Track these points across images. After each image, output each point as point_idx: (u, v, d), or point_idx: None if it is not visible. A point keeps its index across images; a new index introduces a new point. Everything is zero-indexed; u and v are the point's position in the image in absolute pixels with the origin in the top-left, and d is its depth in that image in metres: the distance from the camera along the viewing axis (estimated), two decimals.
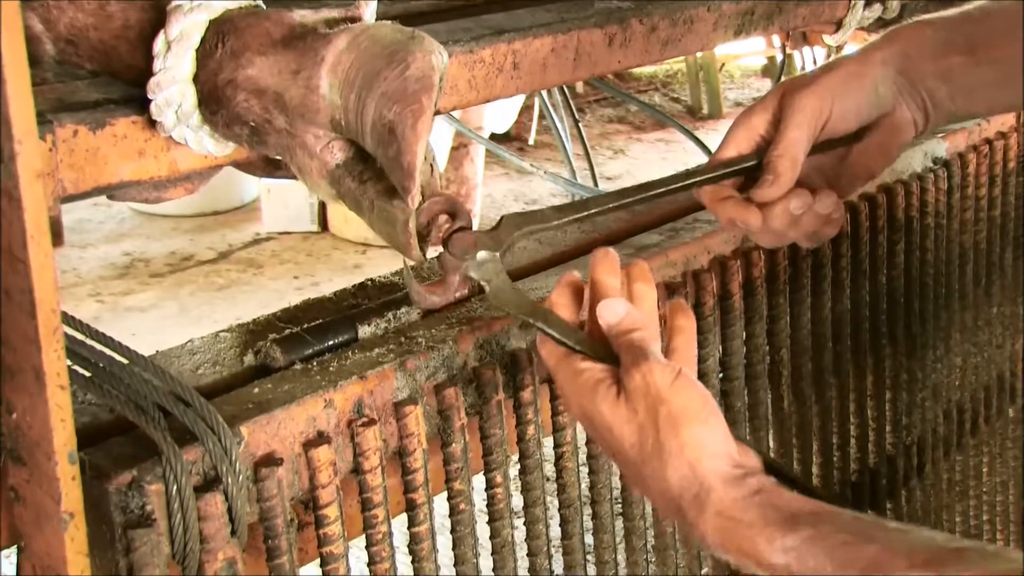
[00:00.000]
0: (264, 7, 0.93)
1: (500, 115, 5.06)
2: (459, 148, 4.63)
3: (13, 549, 0.87)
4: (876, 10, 1.70)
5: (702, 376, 1.24)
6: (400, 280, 1.18)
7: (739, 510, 0.86)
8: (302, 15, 0.91)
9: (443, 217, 0.96)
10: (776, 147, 1.11)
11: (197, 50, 0.89)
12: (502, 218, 1.00)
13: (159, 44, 0.89)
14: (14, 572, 0.87)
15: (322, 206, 4.94)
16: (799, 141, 1.11)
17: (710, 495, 0.87)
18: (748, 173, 1.13)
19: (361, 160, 0.92)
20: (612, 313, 0.96)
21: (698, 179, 1.12)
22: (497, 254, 0.97)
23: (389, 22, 0.91)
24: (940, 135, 1.59)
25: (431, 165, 0.94)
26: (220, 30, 0.89)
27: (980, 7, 1.18)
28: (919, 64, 1.14)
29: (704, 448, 0.89)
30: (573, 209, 1.04)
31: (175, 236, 5.00)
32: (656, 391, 0.90)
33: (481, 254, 0.97)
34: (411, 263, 0.97)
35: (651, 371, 0.90)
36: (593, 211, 1.07)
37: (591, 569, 1.23)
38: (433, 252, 0.99)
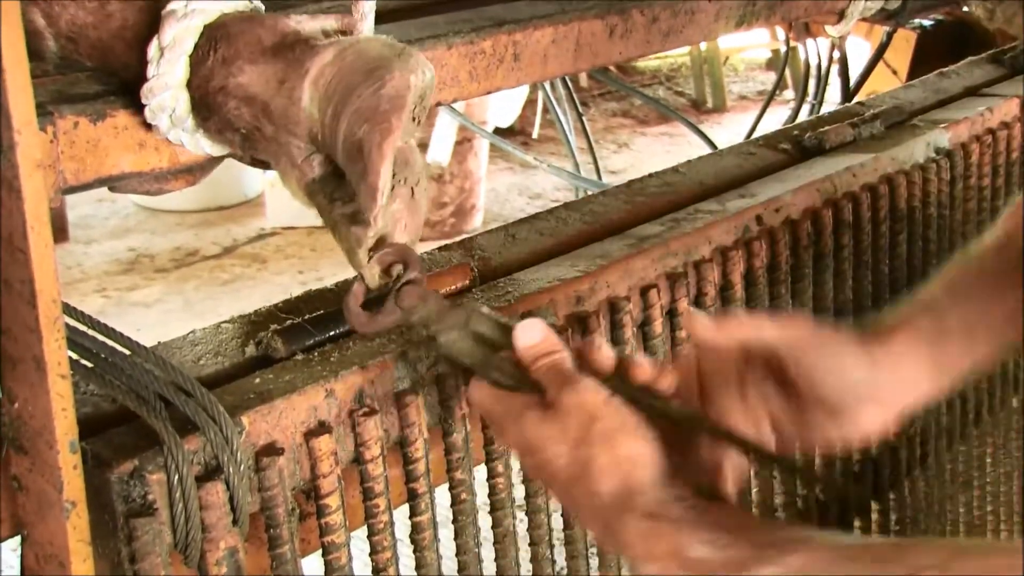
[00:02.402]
0: (263, 10, 0.93)
1: (504, 109, 5.07)
2: (463, 142, 4.64)
3: (17, 539, 0.88)
4: (878, 1, 1.70)
5: None
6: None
7: (664, 508, 0.86)
8: (298, 21, 0.91)
9: (396, 267, 0.94)
10: None
11: (190, 56, 0.89)
12: (463, 302, 0.98)
13: (152, 49, 0.89)
14: (17, 562, 0.87)
15: None
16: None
17: (637, 499, 0.87)
18: None
19: (335, 178, 0.91)
20: (528, 336, 0.94)
21: None
22: (436, 328, 0.96)
23: (383, 36, 0.91)
24: (943, 125, 1.59)
25: (412, 188, 0.92)
26: (213, 36, 0.89)
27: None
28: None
29: (638, 459, 0.88)
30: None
31: (180, 231, 5.01)
32: (590, 408, 0.89)
33: (418, 317, 0.96)
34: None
35: (585, 388, 0.90)
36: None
37: (593, 560, 1.23)
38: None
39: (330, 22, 0.92)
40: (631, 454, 0.88)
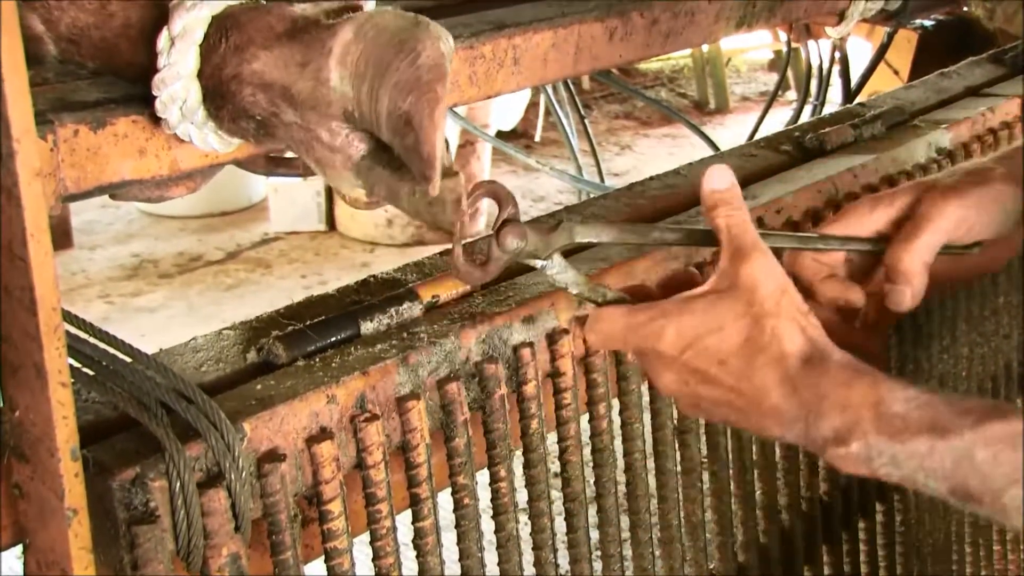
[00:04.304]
0: (265, 1, 0.93)
1: (506, 112, 5.07)
2: (465, 145, 4.64)
3: (19, 547, 0.88)
4: (878, 2, 1.70)
5: None
6: (402, 276, 1.19)
7: (860, 363, 0.88)
8: (303, 7, 0.91)
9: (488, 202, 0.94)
10: (907, 246, 1.01)
11: (200, 45, 0.89)
12: (560, 221, 0.98)
13: (162, 40, 0.89)
14: (20, 570, 0.87)
15: (329, 205, 4.94)
16: (932, 246, 1.02)
17: (832, 355, 0.88)
18: (856, 253, 1.06)
19: (386, 148, 0.90)
20: (718, 181, 0.94)
21: (797, 245, 1.06)
22: (542, 261, 0.96)
23: (391, 8, 0.91)
24: (944, 125, 1.59)
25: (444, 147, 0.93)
26: (223, 25, 0.90)
27: None
28: None
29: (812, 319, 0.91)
30: (634, 233, 1.00)
31: (183, 237, 5.01)
32: (777, 280, 0.91)
33: (526, 255, 0.96)
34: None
35: (764, 260, 0.91)
36: (651, 239, 1.05)
37: (597, 564, 1.23)
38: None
39: (334, 4, 0.92)
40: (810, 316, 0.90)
